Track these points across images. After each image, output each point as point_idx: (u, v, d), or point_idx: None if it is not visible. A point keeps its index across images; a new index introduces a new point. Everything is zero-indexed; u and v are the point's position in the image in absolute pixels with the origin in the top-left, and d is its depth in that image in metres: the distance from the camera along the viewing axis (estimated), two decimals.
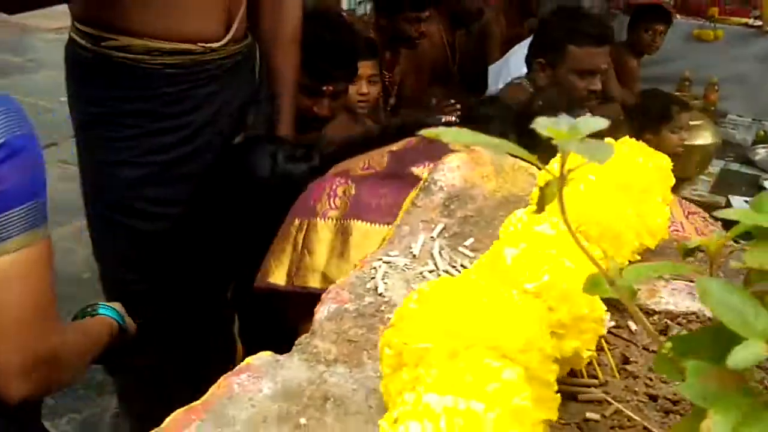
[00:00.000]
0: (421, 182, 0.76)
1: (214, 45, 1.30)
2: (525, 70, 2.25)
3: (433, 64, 3.23)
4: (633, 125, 2.69)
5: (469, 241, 0.69)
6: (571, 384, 0.56)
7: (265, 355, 0.57)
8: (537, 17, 3.62)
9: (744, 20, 4.06)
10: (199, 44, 1.28)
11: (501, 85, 2.56)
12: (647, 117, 2.60)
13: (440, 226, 0.71)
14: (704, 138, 2.98)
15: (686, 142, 2.68)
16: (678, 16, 4.22)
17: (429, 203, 0.74)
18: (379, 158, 1.07)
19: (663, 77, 3.96)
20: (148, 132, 1.30)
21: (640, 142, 0.74)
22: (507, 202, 0.72)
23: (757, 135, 3.76)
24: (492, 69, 2.91)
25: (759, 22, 4.01)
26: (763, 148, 3.52)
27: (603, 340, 0.59)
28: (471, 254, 0.68)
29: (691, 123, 2.77)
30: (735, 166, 3.38)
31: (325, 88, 1.70)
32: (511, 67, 2.70)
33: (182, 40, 1.26)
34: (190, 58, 1.27)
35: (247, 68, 1.40)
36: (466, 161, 0.77)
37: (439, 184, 0.74)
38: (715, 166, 3.28)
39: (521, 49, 2.77)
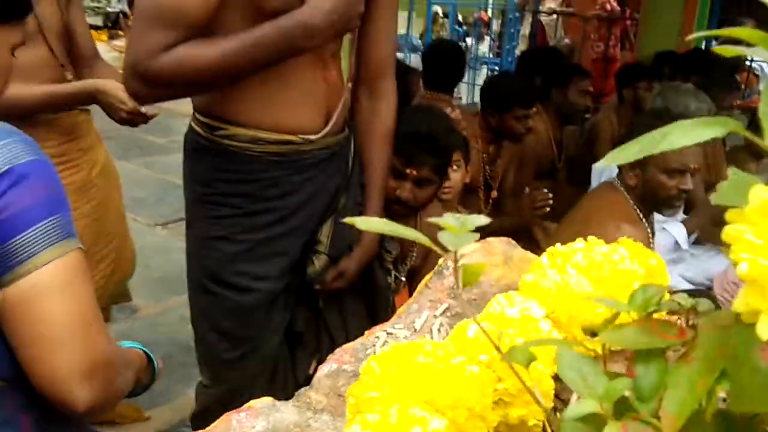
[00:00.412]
0: (436, 266, 0.86)
1: (313, 137, 1.42)
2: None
3: (537, 160, 3.31)
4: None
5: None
6: None
7: (266, 400, 0.68)
8: None
9: None
10: (300, 136, 1.40)
11: (596, 182, 2.60)
12: None
13: (444, 306, 0.80)
14: None
15: None
16: None
17: (439, 285, 0.84)
18: None
19: None
20: (246, 212, 1.42)
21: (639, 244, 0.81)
22: (509, 288, 0.80)
23: None
24: (595, 168, 2.94)
25: None
26: None
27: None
28: None
29: None
30: None
31: (408, 171, 1.81)
32: (613, 166, 2.73)
33: (285, 131, 1.38)
34: (290, 148, 1.40)
35: (342, 158, 1.51)
36: (479, 250, 0.86)
37: (450, 269, 0.84)
38: None
39: None
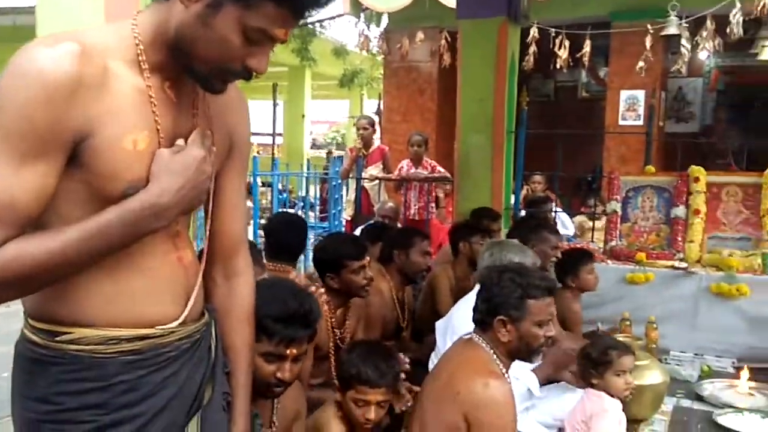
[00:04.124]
0: None
1: (173, 325, 1.28)
2: (470, 327, 2.32)
3: (383, 320, 3.36)
4: (580, 371, 2.77)
5: None
6: None
7: None
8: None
9: (670, 263, 4.39)
10: (158, 327, 1.26)
11: (449, 343, 2.65)
12: (590, 362, 2.68)
13: None
14: (653, 377, 3.06)
15: (637, 382, 2.75)
16: (609, 261, 4.56)
17: None
18: None
19: (605, 319, 4.17)
20: (101, 426, 1.22)
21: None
22: None
23: (702, 370, 3.87)
24: (438, 326, 3.02)
25: (684, 264, 4.34)
26: (710, 383, 3.61)
27: None
28: None
29: (639, 363, 2.86)
30: (687, 403, 3.44)
31: (288, 352, 1.76)
32: (455, 323, 2.82)
33: (141, 325, 1.24)
34: (148, 343, 1.25)
35: (205, 345, 1.38)
36: None
37: None
38: (668, 404, 3.33)
39: (464, 306, 2.93)
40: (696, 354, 4.17)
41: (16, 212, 1.10)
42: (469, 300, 2.92)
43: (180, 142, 1.24)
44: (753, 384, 3.52)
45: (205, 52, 1.18)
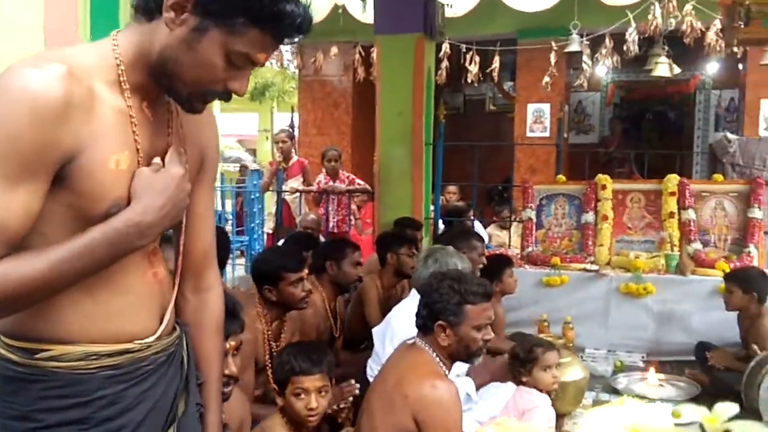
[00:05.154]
0: None
1: (150, 339, 1.30)
2: (409, 331, 2.42)
3: (317, 331, 3.40)
4: (509, 370, 2.92)
5: None
6: None
7: None
8: (410, 278, 3.99)
9: (582, 266, 4.65)
10: (136, 342, 1.27)
11: (389, 347, 2.74)
12: (518, 361, 2.84)
13: None
14: (575, 374, 3.26)
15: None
16: (527, 266, 4.78)
17: None
18: None
19: (524, 320, 4.38)
20: None
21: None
22: None
23: (615, 366, 4.13)
24: (376, 332, 3.10)
25: (595, 267, 4.61)
26: (624, 377, 3.87)
27: None
28: None
29: (561, 360, 3.05)
30: (605, 397, 3.67)
31: (228, 345, 1.81)
32: (394, 328, 2.91)
33: (120, 340, 1.25)
34: (128, 358, 1.26)
35: (178, 359, 1.40)
36: None
37: None
38: (588, 398, 3.53)
39: (401, 311, 3.03)
40: (609, 350, 4.44)
41: (5, 233, 1.10)
42: (406, 305, 3.03)
43: (157, 160, 1.26)
44: (662, 376, 3.79)
45: (188, 75, 1.21)
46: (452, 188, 6.94)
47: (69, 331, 1.23)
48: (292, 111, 9.82)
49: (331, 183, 6.24)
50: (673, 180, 4.70)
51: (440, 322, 2.19)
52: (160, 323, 1.35)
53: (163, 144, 1.30)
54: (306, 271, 2.94)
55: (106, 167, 1.18)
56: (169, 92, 1.27)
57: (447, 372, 2.21)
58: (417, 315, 2.29)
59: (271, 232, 6.15)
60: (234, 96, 1.29)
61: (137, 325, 1.30)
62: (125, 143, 1.22)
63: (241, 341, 1.91)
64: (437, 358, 2.20)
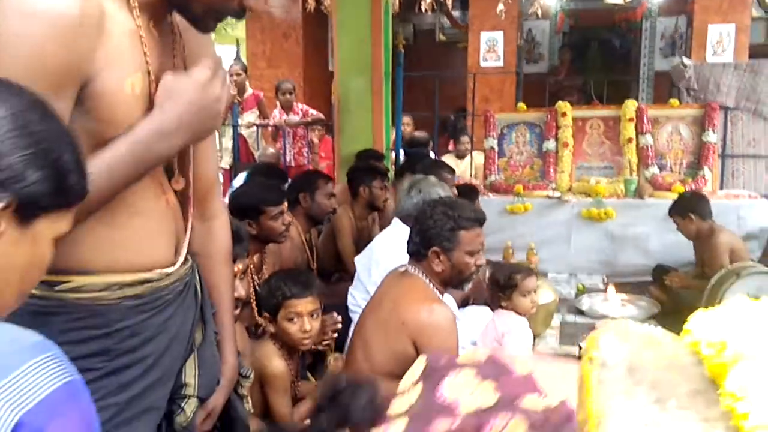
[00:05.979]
0: None
1: (169, 270, 1.29)
2: (394, 259, 2.44)
3: (295, 263, 3.40)
4: (489, 296, 3.01)
5: None
6: None
7: None
8: (382, 211, 4.00)
9: (545, 193, 4.75)
10: (156, 271, 1.26)
11: (374, 274, 2.76)
12: (498, 287, 2.91)
13: None
14: (545, 297, 3.38)
15: None
16: (491, 194, 4.86)
17: None
18: None
19: (490, 248, 4.47)
20: (106, 373, 1.21)
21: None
22: None
23: (578, 288, 4.29)
24: (359, 260, 3.12)
25: (557, 193, 4.71)
26: (588, 297, 4.02)
27: None
28: None
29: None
30: (570, 318, 3.82)
31: (236, 268, 1.85)
32: (378, 257, 2.94)
33: (141, 269, 1.24)
34: (149, 287, 1.25)
35: (192, 290, 1.40)
36: None
37: None
38: (556, 320, 3.68)
39: (384, 239, 3.05)
40: (570, 274, 4.60)
41: None
42: (388, 234, 3.05)
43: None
44: (624, 296, 3.96)
45: None
46: (406, 119, 6.91)
47: (88, 260, 1.20)
48: (237, 44, 9.51)
49: (285, 117, 6.14)
50: (631, 106, 4.80)
51: (434, 248, 2.22)
52: (176, 251, 1.33)
53: (169, 66, 1.26)
54: (285, 204, 2.92)
55: (122, 91, 1.14)
56: (182, 11, 1.22)
57: (440, 297, 2.25)
58: (409, 242, 2.31)
59: (228, 167, 6.04)
60: None
61: (156, 253, 1.29)
62: (138, 65, 1.17)
63: (247, 264, 1.89)
64: (430, 284, 2.24)
